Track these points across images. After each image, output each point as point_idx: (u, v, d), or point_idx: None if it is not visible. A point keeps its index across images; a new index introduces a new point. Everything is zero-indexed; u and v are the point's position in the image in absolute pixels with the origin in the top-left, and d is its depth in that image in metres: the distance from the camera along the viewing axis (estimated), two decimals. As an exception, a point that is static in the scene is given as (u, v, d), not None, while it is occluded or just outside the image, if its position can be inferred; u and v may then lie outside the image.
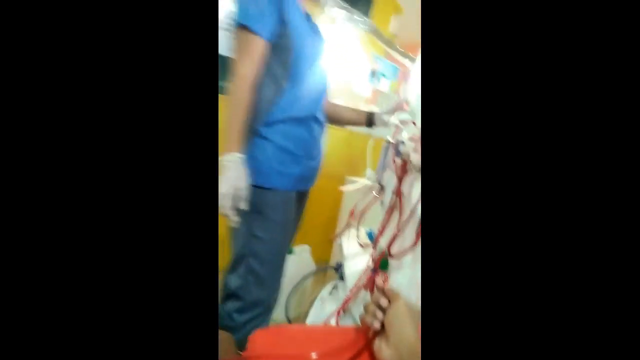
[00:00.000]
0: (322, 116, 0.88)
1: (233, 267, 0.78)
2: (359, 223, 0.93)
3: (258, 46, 0.70)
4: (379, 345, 0.39)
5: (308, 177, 0.88)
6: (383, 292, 0.46)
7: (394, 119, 0.75)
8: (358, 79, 1.79)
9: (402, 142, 0.69)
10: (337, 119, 0.99)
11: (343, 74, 1.76)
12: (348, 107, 1.00)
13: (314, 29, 0.83)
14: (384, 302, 0.44)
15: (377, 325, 0.41)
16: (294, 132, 0.78)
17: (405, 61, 1.70)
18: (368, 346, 0.41)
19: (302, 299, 1.26)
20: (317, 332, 0.44)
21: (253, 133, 0.76)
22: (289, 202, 0.81)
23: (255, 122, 0.76)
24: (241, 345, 0.52)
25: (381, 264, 0.71)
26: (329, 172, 1.75)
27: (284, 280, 0.93)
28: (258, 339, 0.41)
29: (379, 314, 0.42)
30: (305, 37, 0.76)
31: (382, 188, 0.90)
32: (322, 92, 0.86)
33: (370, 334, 0.42)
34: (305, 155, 0.83)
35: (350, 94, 1.79)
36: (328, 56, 0.87)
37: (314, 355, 0.38)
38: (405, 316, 0.40)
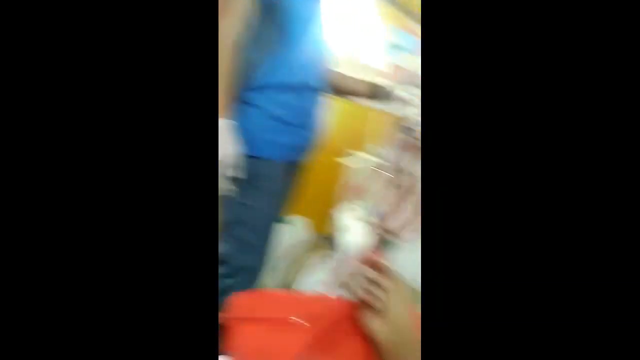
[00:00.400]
0: (318, 84, 0.83)
1: (221, 234, 0.78)
2: (357, 197, 0.92)
3: (243, 1, 0.65)
4: (371, 318, 0.39)
5: (301, 147, 0.84)
6: (379, 267, 0.45)
7: (400, 93, 0.72)
8: (374, 51, 1.71)
9: (407, 117, 0.66)
10: (341, 90, 0.95)
11: (356, 44, 1.69)
12: (355, 79, 0.96)
13: None
14: (379, 278, 0.43)
15: (368, 298, 0.41)
16: (285, 99, 0.74)
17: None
18: (354, 317, 0.41)
19: (294, 267, 1.28)
20: (298, 298, 0.44)
21: (241, 99, 0.73)
22: (279, 172, 0.79)
23: (242, 87, 0.72)
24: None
25: (380, 241, 0.71)
26: (328, 145, 1.72)
27: (276, 249, 0.93)
28: (237, 302, 0.41)
29: (373, 289, 0.42)
30: None
31: (383, 164, 0.88)
32: (319, 59, 0.81)
33: (359, 305, 0.41)
34: (298, 125, 0.79)
35: (362, 66, 1.72)
36: (333, 22, 0.81)
37: (292, 318, 0.38)
38: (396, 290, 0.40)
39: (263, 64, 0.72)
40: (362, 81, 0.95)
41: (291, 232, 1.35)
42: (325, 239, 1.24)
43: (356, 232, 0.88)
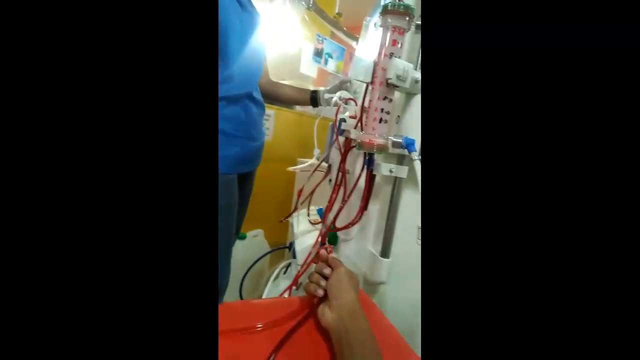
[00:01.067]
0: (259, 95, 0.85)
1: None
2: (309, 202, 0.94)
3: None
4: (322, 309, 0.41)
5: (249, 158, 0.86)
6: (326, 261, 0.48)
7: (336, 97, 0.76)
8: (303, 60, 1.77)
9: (344, 120, 0.71)
10: (277, 97, 0.97)
11: (285, 54, 1.74)
12: (289, 86, 0.99)
13: (245, 5, 0.79)
14: (327, 270, 0.46)
15: (320, 292, 0.43)
16: (228, 113, 0.75)
17: (351, 41, 1.71)
18: (312, 313, 0.43)
19: (257, 281, 1.26)
20: (262, 305, 0.45)
21: None
22: (230, 185, 0.79)
23: None
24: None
25: (330, 238, 0.74)
26: (281, 155, 1.74)
27: (236, 265, 0.92)
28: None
29: (322, 282, 0.44)
30: (231, 13, 0.73)
31: (329, 166, 0.92)
32: (257, 70, 0.84)
33: (315, 301, 0.44)
34: (244, 136, 0.80)
35: (296, 74, 1.77)
36: (265, 33, 0.84)
37: (259, 325, 0.39)
38: (345, 281, 0.43)
39: None
40: (300, 88, 0.98)
41: (249, 246, 1.33)
42: (282, 248, 1.24)
43: (310, 235, 0.91)
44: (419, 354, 0.41)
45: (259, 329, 0.39)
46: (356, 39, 1.60)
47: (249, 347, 0.37)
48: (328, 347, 0.38)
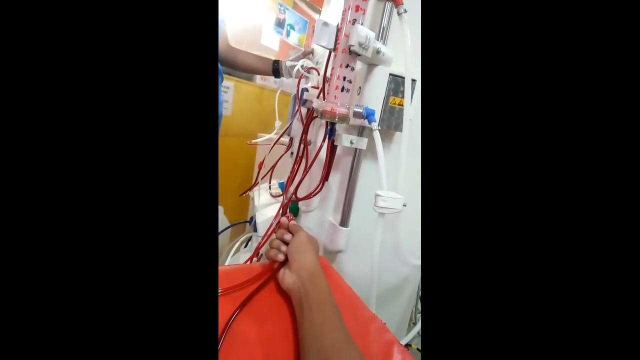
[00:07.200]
0: (220, 66, 0.81)
1: None
2: (270, 176, 0.93)
3: None
4: (283, 273, 0.42)
5: None
6: (287, 228, 0.48)
7: (298, 66, 0.75)
8: (264, 30, 1.70)
9: (307, 90, 0.70)
10: (236, 65, 0.93)
11: (245, 25, 1.66)
12: (250, 53, 0.95)
13: None
14: (287, 236, 0.46)
15: (281, 257, 0.44)
16: None
17: (313, 14, 1.67)
18: (272, 277, 0.44)
19: (219, 255, 1.24)
20: (224, 272, 0.44)
21: None
22: None
23: None
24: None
25: (291, 208, 0.74)
26: (239, 130, 1.69)
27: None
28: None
29: (283, 247, 0.45)
30: None
31: (291, 139, 0.91)
32: (218, 39, 0.79)
33: (275, 265, 0.44)
34: None
35: (256, 46, 1.70)
36: (227, 3, 0.79)
37: (219, 291, 0.39)
38: (305, 244, 0.44)
39: None
40: (262, 57, 0.95)
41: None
42: (242, 222, 1.23)
43: (271, 207, 0.91)
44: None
45: (220, 293, 0.39)
46: (319, 12, 1.56)
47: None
48: (289, 308, 0.39)
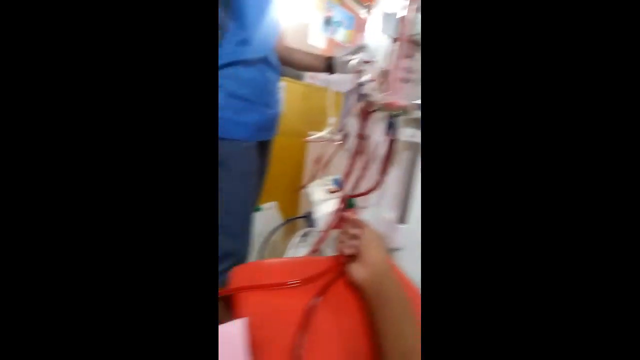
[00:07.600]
0: (274, 59, 0.83)
1: None
2: (324, 172, 0.94)
3: None
4: (353, 266, 0.42)
5: (267, 126, 0.85)
6: (353, 222, 0.48)
7: (354, 61, 0.74)
8: (312, 29, 1.72)
9: (364, 84, 0.69)
10: (292, 62, 0.95)
11: (296, 24, 1.68)
12: (304, 51, 0.96)
13: None
14: (355, 231, 0.47)
15: (350, 251, 0.44)
16: (245, 76, 0.74)
17: (361, 10, 1.65)
18: (342, 272, 0.44)
19: (275, 251, 1.29)
20: (294, 264, 0.46)
21: None
22: (249, 153, 0.79)
23: None
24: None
25: (348, 203, 0.74)
26: (289, 128, 1.72)
27: (253, 236, 0.93)
28: (237, 274, 0.42)
29: (352, 242, 0.45)
30: None
31: (345, 135, 0.91)
32: (272, 33, 0.81)
33: (344, 260, 0.45)
34: (261, 102, 0.79)
35: (303, 46, 1.73)
36: (281, 2, 0.82)
37: (292, 282, 0.40)
38: (377, 239, 0.44)
39: (221, 46, 0.71)
40: (315, 54, 0.96)
41: (266, 219, 1.35)
42: (298, 218, 1.25)
43: (328, 204, 0.91)
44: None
45: (295, 284, 0.40)
46: (366, 7, 1.54)
47: (285, 301, 0.38)
48: (362, 303, 0.39)
